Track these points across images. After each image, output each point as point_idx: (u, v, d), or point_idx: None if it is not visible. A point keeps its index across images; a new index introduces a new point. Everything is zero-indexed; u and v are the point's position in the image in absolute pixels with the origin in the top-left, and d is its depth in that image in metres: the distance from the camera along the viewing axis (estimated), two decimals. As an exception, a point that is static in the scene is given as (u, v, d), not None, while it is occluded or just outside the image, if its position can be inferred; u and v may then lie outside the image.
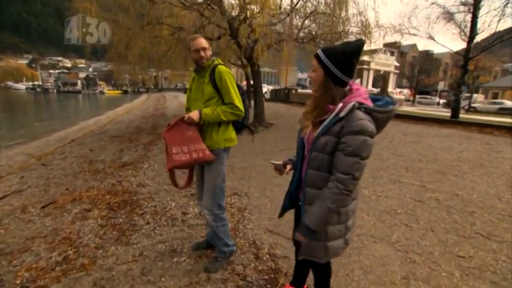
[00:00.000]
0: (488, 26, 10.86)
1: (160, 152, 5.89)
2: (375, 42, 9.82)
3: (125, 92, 70.25)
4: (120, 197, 3.59)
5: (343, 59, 1.15)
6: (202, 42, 1.89)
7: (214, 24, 8.90)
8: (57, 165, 5.14)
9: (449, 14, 11.38)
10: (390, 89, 25.23)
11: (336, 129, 1.15)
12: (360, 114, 1.13)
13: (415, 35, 10.99)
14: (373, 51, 17.11)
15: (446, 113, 17.18)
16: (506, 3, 10.67)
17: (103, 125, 11.20)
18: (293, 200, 1.49)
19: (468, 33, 10.95)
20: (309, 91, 25.59)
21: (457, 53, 12.53)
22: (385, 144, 6.64)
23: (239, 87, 1.96)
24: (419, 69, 41.45)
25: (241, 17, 7.96)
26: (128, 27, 7.35)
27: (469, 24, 10.93)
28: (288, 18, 8.34)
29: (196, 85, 1.99)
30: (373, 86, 24.38)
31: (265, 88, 30.01)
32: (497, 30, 11.16)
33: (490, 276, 2.03)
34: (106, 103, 33.33)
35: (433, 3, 11.27)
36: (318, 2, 8.79)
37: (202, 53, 1.88)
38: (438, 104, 31.76)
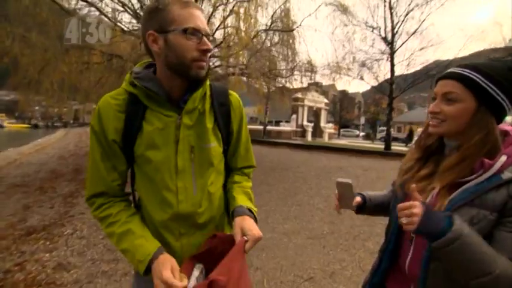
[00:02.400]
0: (402, 71, 12.90)
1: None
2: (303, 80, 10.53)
3: (35, 126, 59.84)
4: (22, 296, 2.22)
5: None
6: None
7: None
8: None
9: (373, 60, 13.09)
10: (322, 123, 27.39)
11: (495, 199, 0.69)
12: None
13: (349, 75, 12.09)
14: (306, 89, 18.52)
15: (370, 144, 19.61)
16: (411, 55, 12.89)
17: (-1, 168, 8.57)
18: None
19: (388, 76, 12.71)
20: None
21: (381, 92, 14.30)
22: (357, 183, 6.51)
23: None
24: (340, 106, 47.95)
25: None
26: (44, 48, 5.89)
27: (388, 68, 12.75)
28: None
29: (175, 135, 0.84)
30: (308, 121, 26.15)
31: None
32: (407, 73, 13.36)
33: None
34: (6, 139, 27.31)
35: (360, 50, 12.90)
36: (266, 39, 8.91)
37: (210, 46, 0.80)
38: (358, 136, 36.87)
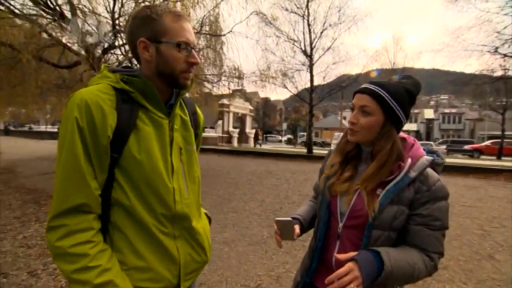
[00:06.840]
0: (320, 82, 14.41)
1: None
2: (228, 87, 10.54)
3: None
4: None
5: (407, 101, 0.89)
6: None
7: (62, 45, 6.87)
8: None
9: (295, 71, 14.20)
10: (248, 129, 28.13)
11: (408, 195, 0.84)
12: (433, 172, 0.88)
13: (274, 83, 12.80)
14: (231, 95, 18.84)
15: (293, 148, 21.36)
16: (326, 67, 14.55)
17: None
18: None
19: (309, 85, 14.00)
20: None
21: (302, 99, 15.55)
22: (288, 186, 6.74)
23: None
24: (263, 112, 50.63)
25: (108, 43, 6.49)
26: None
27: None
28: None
29: (169, 136, 0.86)
30: (233, 127, 26.48)
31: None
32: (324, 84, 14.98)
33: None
34: None
35: (283, 60, 13.80)
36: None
37: (198, 60, 0.86)
38: (281, 141, 39.40)
